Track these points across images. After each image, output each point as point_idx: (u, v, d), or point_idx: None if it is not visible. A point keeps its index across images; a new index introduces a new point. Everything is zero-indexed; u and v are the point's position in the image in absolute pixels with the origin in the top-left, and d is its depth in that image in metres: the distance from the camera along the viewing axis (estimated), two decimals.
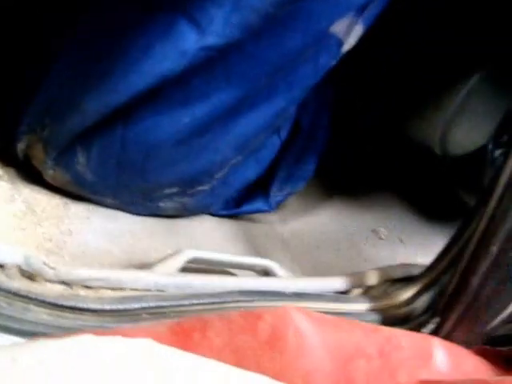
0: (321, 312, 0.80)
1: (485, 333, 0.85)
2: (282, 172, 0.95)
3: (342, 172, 1.14)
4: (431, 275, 0.84)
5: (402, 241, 1.12)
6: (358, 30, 0.69)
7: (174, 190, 0.88)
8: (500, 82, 0.84)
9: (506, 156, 0.71)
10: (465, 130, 0.86)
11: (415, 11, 0.90)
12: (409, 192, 1.16)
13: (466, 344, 0.85)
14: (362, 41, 0.72)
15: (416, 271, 0.89)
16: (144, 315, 0.75)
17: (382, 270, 0.91)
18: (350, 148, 1.10)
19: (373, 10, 0.68)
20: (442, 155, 0.90)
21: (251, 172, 0.94)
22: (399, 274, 0.92)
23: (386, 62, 0.95)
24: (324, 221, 1.09)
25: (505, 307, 0.80)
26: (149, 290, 0.79)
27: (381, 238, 1.13)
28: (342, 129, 1.01)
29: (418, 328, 0.84)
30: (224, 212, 1.03)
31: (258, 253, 1.01)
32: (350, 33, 0.68)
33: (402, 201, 1.17)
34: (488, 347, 0.95)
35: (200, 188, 0.90)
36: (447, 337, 0.82)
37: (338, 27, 0.67)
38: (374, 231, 1.14)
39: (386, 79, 0.96)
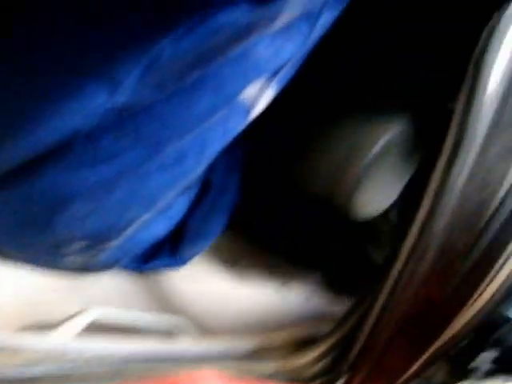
0: (228, 372, 0.80)
1: None
2: (191, 229, 0.94)
3: (253, 230, 1.14)
4: (340, 333, 0.85)
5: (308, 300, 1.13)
6: (268, 94, 0.70)
7: (83, 245, 0.85)
8: (404, 147, 0.87)
9: (409, 225, 0.74)
10: (370, 193, 0.87)
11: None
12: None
13: None
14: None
15: (326, 328, 0.90)
16: (45, 381, 0.71)
17: (290, 328, 0.92)
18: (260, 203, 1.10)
19: (286, 73, 0.69)
20: (347, 216, 0.92)
21: (161, 229, 0.93)
22: (308, 332, 0.93)
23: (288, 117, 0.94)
24: (232, 278, 1.09)
25: (409, 367, 0.83)
26: (49, 354, 0.75)
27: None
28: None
29: None
30: (132, 267, 1.00)
31: (166, 309, 0.98)
32: (260, 98, 0.69)
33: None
34: None
35: (109, 243, 0.87)
36: None
37: (249, 93, 0.67)
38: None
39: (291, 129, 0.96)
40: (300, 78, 0.75)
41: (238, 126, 0.72)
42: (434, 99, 0.84)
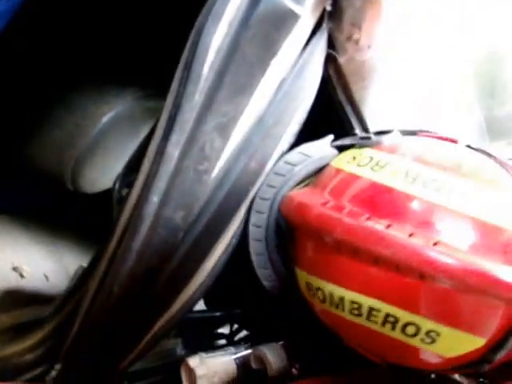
0: None
1: (118, 371, 0.85)
2: None
3: None
4: (59, 317, 0.79)
5: (47, 278, 1.05)
6: None
7: None
8: (132, 123, 0.85)
9: (127, 196, 0.71)
10: (96, 168, 0.85)
11: None
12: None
13: None
14: None
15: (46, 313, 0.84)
16: None
17: (7, 314, 0.83)
18: None
19: None
20: (74, 190, 0.88)
21: None
22: (28, 317, 0.86)
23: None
24: None
25: (134, 346, 0.81)
26: None
27: (22, 276, 1.05)
28: None
29: (42, 376, 0.79)
30: None
31: None
32: None
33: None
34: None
35: None
36: (74, 382, 0.78)
37: None
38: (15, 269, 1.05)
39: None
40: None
41: None
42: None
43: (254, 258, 0.76)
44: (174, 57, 0.71)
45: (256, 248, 0.76)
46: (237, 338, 1.14)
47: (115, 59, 0.86)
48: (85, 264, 1.02)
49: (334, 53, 0.88)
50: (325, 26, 0.82)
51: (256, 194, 0.76)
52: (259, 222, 0.75)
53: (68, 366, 0.76)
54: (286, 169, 0.76)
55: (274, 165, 0.76)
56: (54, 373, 0.76)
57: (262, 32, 0.70)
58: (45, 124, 0.88)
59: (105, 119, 0.82)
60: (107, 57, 0.87)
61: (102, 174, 0.86)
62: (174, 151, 0.66)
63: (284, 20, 0.71)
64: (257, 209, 0.75)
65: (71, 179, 0.85)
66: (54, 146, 0.86)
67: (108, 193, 0.90)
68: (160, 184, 0.67)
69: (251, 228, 0.75)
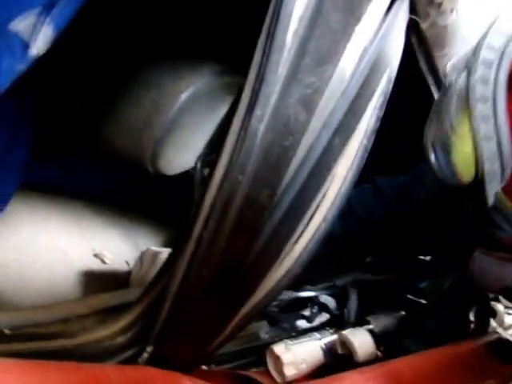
0: (13, 354, 0.70)
1: (206, 355, 0.84)
2: None
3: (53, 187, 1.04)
4: (147, 301, 0.79)
5: (128, 264, 1.06)
6: (46, 33, 0.61)
7: None
8: (211, 99, 0.84)
9: (211, 176, 0.69)
10: (176, 147, 0.83)
11: None
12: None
13: (187, 368, 0.83)
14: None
15: (133, 297, 0.84)
16: None
17: (96, 297, 0.84)
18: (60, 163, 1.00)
19: (64, 11, 0.61)
20: (154, 173, 0.87)
21: None
22: (115, 301, 0.86)
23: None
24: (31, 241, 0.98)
25: (221, 331, 0.80)
26: None
27: (104, 263, 1.06)
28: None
29: (134, 358, 0.79)
30: None
31: None
32: (36, 34, 0.60)
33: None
34: (208, 368, 0.96)
35: None
36: (164, 364, 0.78)
37: (21, 26, 0.59)
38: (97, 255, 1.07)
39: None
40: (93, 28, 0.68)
41: (15, 65, 0.62)
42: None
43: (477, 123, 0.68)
44: (252, 29, 0.69)
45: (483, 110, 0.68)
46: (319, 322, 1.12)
47: (191, 34, 0.85)
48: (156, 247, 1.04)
49: (416, 18, 0.83)
50: None
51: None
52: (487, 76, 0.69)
53: (160, 349, 0.76)
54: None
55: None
56: (145, 355, 0.76)
57: (348, 3, 0.66)
58: (122, 104, 0.87)
59: (183, 97, 0.81)
60: (183, 31, 0.86)
61: (183, 153, 0.85)
62: (258, 126, 0.64)
63: None
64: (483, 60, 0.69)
65: (151, 160, 0.84)
66: (132, 126, 0.85)
67: (185, 174, 0.89)
68: (245, 161, 0.65)
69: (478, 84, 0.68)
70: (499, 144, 0.66)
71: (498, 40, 0.71)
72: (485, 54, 0.69)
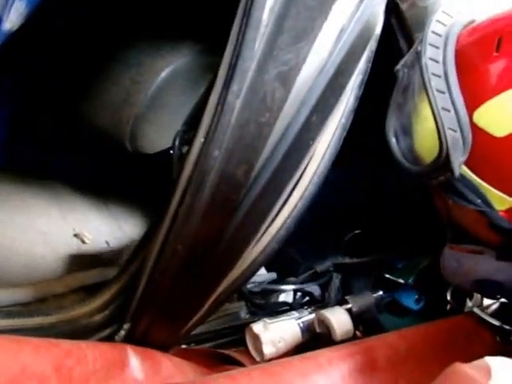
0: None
1: (183, 333, 0.85)
2: None
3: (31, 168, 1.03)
4: (124, 278, 0.79)
5: (108, 244, 1.06)
6: (19, 7, 0.60)
7: None
8: (191, 78, 0.83)
9: (188, 152, 0.69)
10: (155, 126, 0.83)
11: None
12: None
13: (164, 347, 0.83)
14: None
15: (111, 275, 0.84)
16: None
17: (73, 276, 0.84)
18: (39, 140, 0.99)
19: None
20: (133, 151, 0.86)
21: None
22: (94, 279, 0.86)
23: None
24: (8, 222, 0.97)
25: (198, 308, 0.80)
26: None
27: (84, 242, 1.06)
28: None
29: (112, 336, 0.80)
30: None
31: None
32: (9, 9, 0.59)
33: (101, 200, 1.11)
34: (188, 347, 0.96)
35: None
36: (141, 342, 0.79)
37: None
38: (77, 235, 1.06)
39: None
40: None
41: None
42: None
43: (434, 95, 0.70)
44: (230, 7, 0.69)
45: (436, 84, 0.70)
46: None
47: (170, 12, 0.84)
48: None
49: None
50: None
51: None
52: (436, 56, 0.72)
53: (136, 326, 0.76)
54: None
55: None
56: (122, 332, 0.76)
57: None
58: (102, 82, 0.86)
59: (162, 75, 0.80)
60: (162, 10, 0.85)
61: (162, 132, 0.84)
62: (235, 101, 0.64)
63: None
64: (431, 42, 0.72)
65: (130, 139, 0.83)
66: (112, 104, 0.85)
67: (165, 153, 0.89)
68: (221, 137, 0.65)
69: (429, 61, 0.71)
70: (457, 114, 0.69)
71: (440, 27, 0.74)
72: (431, 38, 0.72)
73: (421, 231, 1.05)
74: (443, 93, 0.70)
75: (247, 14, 0.64)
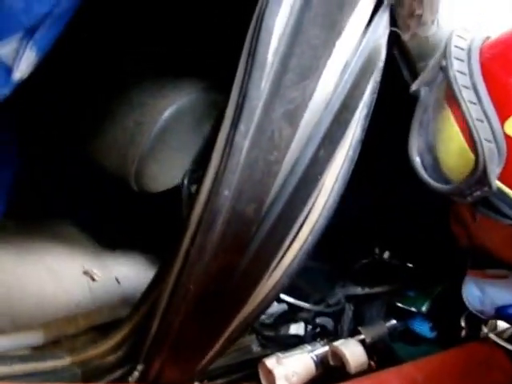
0: (9, 377, 0.69)
1: (197, 371, 0.84)
2: None
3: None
4: (136, 319, 0.79)
5: (118, 281, 1.06)
6: (30, 56, 0.61)
7: None
8: (195, 116, 0.84)
9: (198, 192, 0.70)
10: (160, 165, 0.83)
11: None
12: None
13: None
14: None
15: (123, 314, 0.84)
16: None
17: (84, 315, 0.84)
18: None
19: (47, 34, 0.61)
20: (139, 190, 0.87)
21: None
22: (105, 318, 0.86)
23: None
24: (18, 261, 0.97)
25: (212, 345, 0.79)
26: None
27: (94, 280, 1.05)
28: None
29: (125, 377, 0.79)
30: None
31: None
32: (19, 59, 0.60)
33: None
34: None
35: None
36: (155, 383, 0.78)
37: (3, 51, 0.59)
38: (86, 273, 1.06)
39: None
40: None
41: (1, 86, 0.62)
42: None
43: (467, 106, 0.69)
44: (233, 46, 0.70)
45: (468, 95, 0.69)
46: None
47: (172, 51, 0.85)
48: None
49: (397, 30, 0.84)
50: (386, 2, 0.79)
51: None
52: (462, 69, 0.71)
53: (150, 367, 0.76)
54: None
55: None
56: (136, 373, 0.75)
57: (325, 12, 0.67)
58: (109, 123, 0.87)
59: (165, 114, 0.80)
60: (164, 49, 0.86)
61: (167, 171, 0.85)
62: (243, 141, 0.64)
63: (349, 3, 0.68)
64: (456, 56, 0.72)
65: (135, 179, 0.84)
66: (117, 145, 0.85)
67: (172, 191, 0.89)
68: (231, 177, 0.65)
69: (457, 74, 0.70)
70: (490, 124, 0.67)
71: (462, 42, 0.74)
72: (455, 52, 0.72)
73: (434, 258, 1.04)
74: (475, 104, 0.69)
75: (252, 54, 0.65)
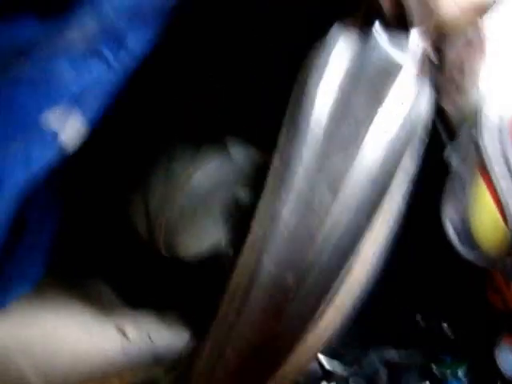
0: None
1: None
2: (6, 274, 0.83)
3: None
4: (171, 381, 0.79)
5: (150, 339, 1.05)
6: (76, 122, 0.63)
7: None
8: (221, 181, 0.84)
9: (236, 257, 0.70)
10: (189, 232, 0.84)
11: None
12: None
13: None
14: None
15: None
16: None
17: (118, 376, 0.83)
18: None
19: (93, 103, 0.63)
20: (169, 257, 0.87)
21: None
22: (139, 378, 0.86)
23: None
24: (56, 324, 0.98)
25: None
26: None
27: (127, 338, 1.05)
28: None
29: None
30: None
31: None
32: (65, 124, 0.62)
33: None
34: None
35: None
36: None
37: (50, 117, 0.60)
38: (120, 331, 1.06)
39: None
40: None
41: (46, 155, 0.64)
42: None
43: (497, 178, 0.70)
44: (264, 114, 0.71)
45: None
46: None
47: (201, 119, 0.86)
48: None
49: (437, 98, 0.85)
50: (427, 72, 0.80)
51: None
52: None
53: None
54: None
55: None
56: None
57: (371, 87, 0.68)
58: (141, 194, 0.88)
59: (191, 183, 0.81)
60: (190, 112, 0.87)
61: (195, 237, 0.85)
62: (284, 209, 0.65)
63: (391, 72, 0.69)
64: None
65: (164, 244, 0.85)
66: (146, 212, 0.86)
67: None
68: (273, 247, 0.66)
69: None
70: None
71: (493, 111, 0.74)
72: (485, 121, 0.73)
73: (470, 323, 1.02)
74: (506, 178, 0.70)
75: (294, 123, 0.66)
